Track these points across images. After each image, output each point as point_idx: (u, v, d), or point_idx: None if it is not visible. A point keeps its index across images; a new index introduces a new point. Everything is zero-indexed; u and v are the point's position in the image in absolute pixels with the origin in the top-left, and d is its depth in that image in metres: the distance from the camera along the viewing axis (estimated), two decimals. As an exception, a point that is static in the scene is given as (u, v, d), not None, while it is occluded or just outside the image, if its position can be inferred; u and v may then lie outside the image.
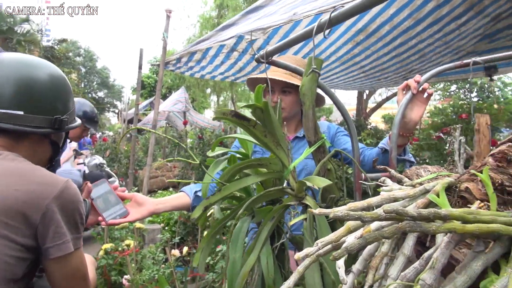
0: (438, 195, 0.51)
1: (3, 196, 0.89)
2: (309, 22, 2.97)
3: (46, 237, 0.92)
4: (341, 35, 3.50)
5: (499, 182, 0.48)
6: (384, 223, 0.55)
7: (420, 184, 0.62)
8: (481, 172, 0.51)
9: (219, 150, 1.09)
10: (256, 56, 1.23)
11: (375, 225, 0.55)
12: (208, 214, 1.06)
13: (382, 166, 0.74)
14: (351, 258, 0.84)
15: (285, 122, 1.29)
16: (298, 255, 0.55)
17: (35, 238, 0.92)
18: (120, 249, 2.64)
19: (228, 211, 0.97)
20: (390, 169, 0.71)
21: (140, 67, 4.69)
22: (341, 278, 0.50)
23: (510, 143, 0.49)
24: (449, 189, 0.54)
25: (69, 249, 0.95)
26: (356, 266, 0.64)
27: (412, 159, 1.25)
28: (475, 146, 1.61)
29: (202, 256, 0.92)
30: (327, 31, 0.93)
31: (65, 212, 0.94)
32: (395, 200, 0.59)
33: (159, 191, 5.44)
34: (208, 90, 16.95)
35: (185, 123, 8.28)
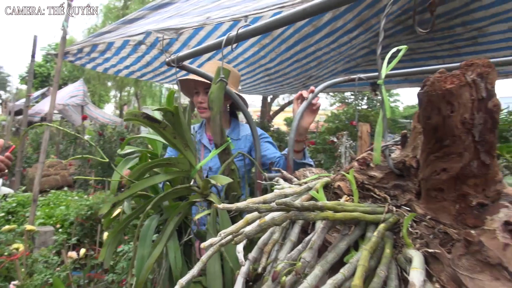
0: (318, 192, 0.64)
1: None
2: (228, 27, 3.06)
3: None
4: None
5: (361, 181, 0.62)
6: (276, 215, 0.67)
7: (305, 183, 0.75)
8: (349, 173, 0.65)
9: (128, 149, 1.12)
10: (167, 60, 1.28)
11: (269, 216, 0.66)
12: (114, 214, 1.09)
13: (277, 168, 0.86)
14: (248, 250, 0.95)
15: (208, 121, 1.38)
16: (204, 244, 0.64)
17: None
18: (6, 253, 2.43)
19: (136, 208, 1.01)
20: (282, 171, 0.84)
21: (33, 56, 4.31)
22: (240, 261, 0.60)
23: (370, 151, 0.64)
24: (326, 187, 0.68)
25: None
26: (252, 254, 0.74)
27: (311, 162, 1.42)
28: (358, 150, 1.87)
29: (109, 251, 0.95)
30: (234, 45, 1.03)
31: None
32: (286, 196, 0.70)
33: (52, 191, 5.05)
34: (110, 84, 16.05)
35: (84, 118, 7.76)
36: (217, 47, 1.12)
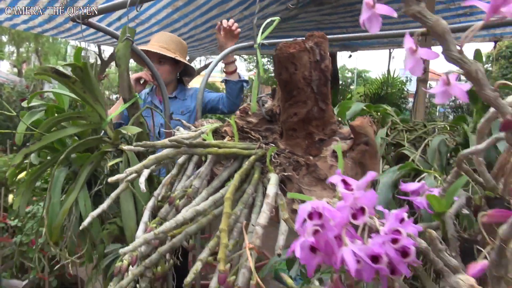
0: (207, 135, 0.80)
1: None
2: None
3: None
4: (162, -3, 3.59)
5: (241, 126, 0.78)
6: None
7: (201, 131, 0.89)
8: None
9: (35, 102, 1.15)
10: (71, 15, 1.30)
11: (164, 152, 0.80)
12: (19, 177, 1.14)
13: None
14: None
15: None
16: (111, 179, 0.76)
17: None
18: None
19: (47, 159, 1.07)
20: (183, 121, 0.98)
21: None
22: (142, 190, 0.73)
23: (250, 103, 0.81)
24: (216, 132, 0.84)
25: None
26: (157, 191, 0.88)
27: (246, 79, 1.74)
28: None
29: (23, 200, 1.01)
30: (139, 7, 1.11)
31: None
32: (182, 139, 0.85)
33: None
34: (5, 39, 14.33)
35: (-25, 76, 6.95)
36: (122, 6, 1.18)
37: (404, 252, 0.38)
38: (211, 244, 0.63)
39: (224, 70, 1.84)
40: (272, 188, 0.64)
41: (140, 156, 1.12)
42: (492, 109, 0.44)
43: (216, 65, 1.57)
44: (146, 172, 0.78)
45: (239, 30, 1.71)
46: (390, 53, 10.99)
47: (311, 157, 0.67)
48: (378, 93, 6.10)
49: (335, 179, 0.39)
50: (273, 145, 0.74)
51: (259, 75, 0.76)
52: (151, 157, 0.72)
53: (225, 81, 1.83)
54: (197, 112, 1.71)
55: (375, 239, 0.37)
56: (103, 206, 0.84)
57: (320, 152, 0.69)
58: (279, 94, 0.75)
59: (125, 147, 0.77)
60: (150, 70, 1.37)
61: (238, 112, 0.81)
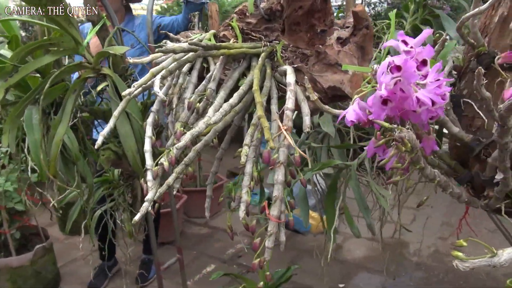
0: (210, 40, 0.82)
1: None
2: None
3: None
4: None
5: (241, 27, 0.82)
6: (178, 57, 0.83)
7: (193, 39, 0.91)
8: (228, 24, 0.84)
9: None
10: None
11: (173, 64, 0.82)
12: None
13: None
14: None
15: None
16: (125, 93, 0.77)
17: None
18: None
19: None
20: (169, 33, 0.98)
21: None
22: (157, 92, 0.75)
23: (245, 5, 0.84)
24: (215, 37, 0.86)
25: None
26: (154, 107, 0.90)
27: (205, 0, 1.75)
28: (210, 28, 2.06)
29: (11, 137, 0.98)
30: None
31: None
32: (182, 49, 0.86)
33: None
34: None
35: None
36: None
37: (443, 97, 0.48)
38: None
39: None
40: (291, 77, 0.71)
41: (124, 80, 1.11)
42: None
43: None
44: (157, 82, 0.79)
45: None
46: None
47: (320, 46, 0.74)
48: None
49: (392, 42, 0.47)
50: (277, 41, 0.80)
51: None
52: (171, 58, 0.74)
53: (186, 2, 1.78)
54: (148, 37, 1.68)
55: (429, 86, 0.46)
56: (110, 124, 0.86)
57: (325, 41, 0.76)
58: (277, -9, 0.79)
59: (130, 60, 0.77)
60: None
61: (235, 15, 0.84)
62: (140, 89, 0.80)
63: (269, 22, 0.82)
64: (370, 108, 0.48)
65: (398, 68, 0.44)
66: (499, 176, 0.56)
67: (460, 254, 0.40)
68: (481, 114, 0.66)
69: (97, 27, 1.06)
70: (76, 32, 1.00)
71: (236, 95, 0.72)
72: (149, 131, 0.86)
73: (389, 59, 0.44)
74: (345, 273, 2.23)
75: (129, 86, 1.12)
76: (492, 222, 1.36)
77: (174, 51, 0.71)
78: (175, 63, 0.73)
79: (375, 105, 0.46)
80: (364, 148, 1.24)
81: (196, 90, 0.80)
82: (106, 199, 1.54)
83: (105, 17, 1.09)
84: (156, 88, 0.77)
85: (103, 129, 1.29)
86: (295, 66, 0.76)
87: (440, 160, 0.73)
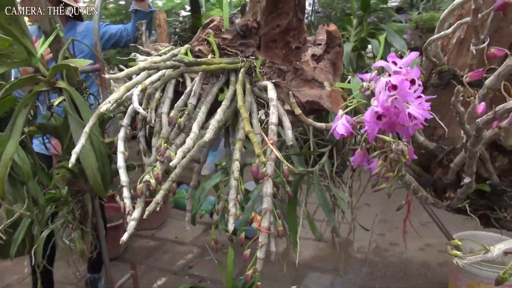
0: (187, 55, 0.82)
1: None
2: None
3: None
4: None
5: (217, 43, 0.83)
6: (154, 78, 0.81)
7: (165, 53, 0.90)
8: (203, 39, 0.85)
9: None
10: None
11: (148, 80, 0.81)
12: None
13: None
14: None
15: None
16: (103, 109, 0.74)
17: None
18: None
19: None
20: (139, 46, 0.95)
21: None
22: (137, 108, 0.73)
23: (220, 20, 0.85)
24: (190, 51, 0.86)
25: None
26: (125, 121, 0.88)
27: (155, 8, 1.70)
28: (159, 37, 2.04)
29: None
30: None
31: None
32: (156, 62, 0.85)
33: None
34: None
35: None
36: None
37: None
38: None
39: None
40: (272, 92, 0.74)
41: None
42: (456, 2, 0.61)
43: None
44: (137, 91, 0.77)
45: None
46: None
47: (297, 62, 0.78)
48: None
49: (382, 63, 0.51)
50: (253, 57, 0.82)
51: (228, -7, 0.80)
52: (154, 76, 0.73)
53: (135, 11, 1.73)
54: (95, 46, 1.63)
55: (415, 102, 0.51)
56: (82, 141, 0.82)
57: (300, 57, 0.80)
58: (253, 9, 0.81)
59: (107, 76, 0.74)
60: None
61: (209, 30, 0.85)
62: (115, 104, 0.78)
63: (245, 38, 0.84)
64: (366, 123, 0.52)
65: (395, 87, 0.49)
66: (467, 180, 0.63)
67: (458, 253, 0.46)
68: (442, 124, 0.74)
69: (51, 38, 1.00)
70: (29, 42, 0.93)
71: (220, 111, 0.73)
72: (121, 146, 0.84)
73: (385, 78, 0.48)
74: (297, 274, 2.31)
75: (85, 100, 1.07)
76: (423, 217, 1.51)
77: (159, 68, 0.70)
78: (161, 80, 0.72)
79: (371, 120, 0.51)
80: (321, 154, 1.30)
81: (175, 105, 0.79)
82: (52, 218, 1.45)
83: (58, 28, 1.03)
84: (135, 104, 0.75)
85: (44, 140, 1.21)
86: (273, 81, 0.79)
87: (405, 167, 0.80)
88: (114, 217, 2.75)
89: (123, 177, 0.83)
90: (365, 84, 0.55)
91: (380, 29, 1.44)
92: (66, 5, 1.78)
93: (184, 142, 0.72)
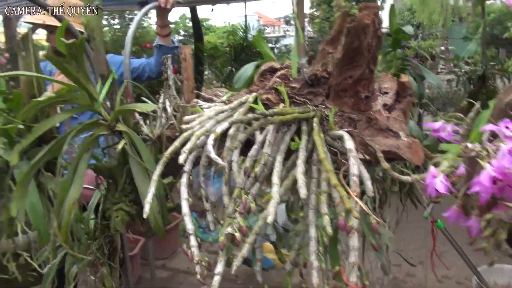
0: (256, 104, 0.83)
1: None
2: None
3: None
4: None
5: (286, 91, 0.84)
6: (225, 127, 0.82)
7: (229, 101, 0.92)
8: (271, 88, 0.86)
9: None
10: None
11: (220, 129, 0.82)
12: None
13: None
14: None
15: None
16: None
17: None
18: None
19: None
20: (201, 93, 0.96)
21: None
22: (214, 158, 0.74)
23: (287, 69, 0.86)
24: (255, 100, 0.87)
25: None
26: (187, 167, 0.87)
27: (178, 44, 1.73)
28: (183, 72, 2.07)
29: (21, 204, 0.87)
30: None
31: None
32: (223, 111, 0.86)
33: None
34: None
35: None
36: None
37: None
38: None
39: (158, 32, 1.75)
40: (350, 143, 0.75)
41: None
42: None
43: (139, 21, 1.51)
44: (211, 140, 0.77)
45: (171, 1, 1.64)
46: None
47: (370, 112, 0.79)
48: (242, 44, 6.30)
49: (492, 127, 0.53)
50: (323, 106, 0.83)
51: (299, 42, 0.82)
52: (224, 125, 0.74)
53: (159, 46, 1.76)
54: (126, 82, 1.63)
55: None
56: (152, 190, 0.82)
57: (370, 106, 0.81)
58: (323, 60, 0.83)
59: (193, 122, 0.75)
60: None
61: (277, 79, 0.86)
62: (189, 155, 0.79)
63: (312, 87, 0.86)
64: (477, 185, 0.53)
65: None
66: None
67: None
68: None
69: (109, 81, 1.00)
70: (92, 88, 0.94)
71: (301, 162, 0.73)
72: (184, 193, 0.84)
73: (506, 145, 0.50)
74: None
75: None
76: (438, 247, 1.54)
77: (242, 121, 0.71)
78: (244, 134, 0.73)
79: (485, 183, 0.52)
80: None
81: (249, 154, 0.79)
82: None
83: (114, 71, 1.04)
84: (213, 155, 0.76)
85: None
86: (345, 130, 0.80)
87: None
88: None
89: (189, 225, 0.83)
90: (469, 145, 0.55)
91: (406, 65, 1.47)
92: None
93: (258, 191, 0.73)
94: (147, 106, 0.92)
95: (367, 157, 0.78)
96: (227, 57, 5.71)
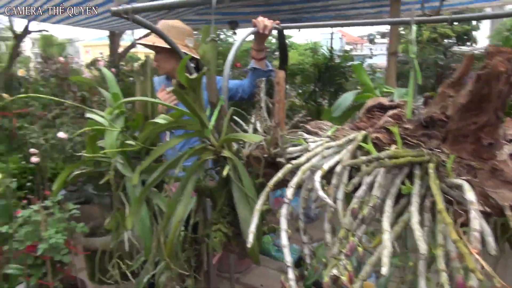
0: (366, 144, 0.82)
1: None
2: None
3: None
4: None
5: (401, 133, 0.82)
6: (332, 164, 0.82)
7: (334, 136, 0.91)
8: (382, 127, 0.84)
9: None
10: (114, 9, 1.19)
11: (327, 166, 0.82)
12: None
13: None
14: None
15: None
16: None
17: None
18: None
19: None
20: (306, 126, 0.98)
21: None
22: (322, 196, 0.74)
23: (401, 109, 0.84)
24: (364, 138, 0.86)
25: None
26: (289, 197, 0.88)
27: (272, 68, 1.79)
28: (276, 95, 2.09)
29: (135, 219, 0.95)
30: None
31: None
32: (330, 147, 0.86)
33: None
34: None
35: None
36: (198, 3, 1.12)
37: None
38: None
39: (253, 56, 1.82)
40: (471, 194, 0.70)
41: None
42: None
43: (239, 47, 1.57)
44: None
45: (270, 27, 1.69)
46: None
47: (495, 162, 0.74)
48: (326, 63, 6.24)
49: None
50: (438, 150, 0.79)
51: (416, 82, 0.79)
52: (331, 162, 0.73)
53: (253, 69, 1.83)
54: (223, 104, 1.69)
55: None
56: (255, 221, 0.84)
57: (493, 155, 0.75)
58: (442, 102, 0.79)
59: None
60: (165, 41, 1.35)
61: (389, 118, 0.84)
62: (293, 189, 0.80)
63: (427, 129, 0.82)
64: None
65: None
66: None
67: None
68: None
69: (218, 108, 1.06)
70: (204, 116, 1.00)
71: (415, 210, 0.70)
72: (284, 224, 0.85)
73: None
74: None
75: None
76: None
77: (355, 164, 0.71)
78: (357, 177, 0.72)
79: None
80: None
81: (356, 194, 0.78)
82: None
83: (221, 98, 1.10)
84: (321, 193, 0.76)
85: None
86: (463, 178, 0.75)
87: None
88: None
89: (288, 257, 0.83)
90: None
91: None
92: (192, 58, 1.94)
93: (364, 233, 0.71)
94: (254, 137, 0.95)
95: (487, 209, 0.73)
96: (308, 74, 5.69)
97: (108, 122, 0.99)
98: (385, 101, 0.93)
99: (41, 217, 2.12)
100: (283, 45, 2.62)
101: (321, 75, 5.51)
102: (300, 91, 5.62)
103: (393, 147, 0.81)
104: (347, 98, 1.28)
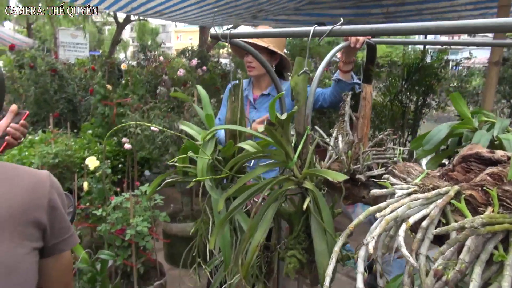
0: (459, 202, 0.79)
1: (7, 205, 0.79)
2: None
3: (53, 233, 0.88)
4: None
5: (499, 195, 0.77)
6: (418, 217, 0.80)
7: (423, 184, 0.88)
8: (478, 185, 0.80)
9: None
10: (214, 33, 1.26)
11: (412, 220, 0.80)
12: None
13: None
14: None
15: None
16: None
17: (42, 239, 0.86)
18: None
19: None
20: (393, 170, 0.96)
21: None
22: (408, 257, 0.73)
23: (502, 169, 0.79)
24: (457, 194, 0.82)
25: (76, 240, 0.93)
26: (371, 244, 0.88)
27: (359, 81, 1.76)
28: (361, 110, 2.03)
29: (218, 240, 1.03)
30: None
31: (61, 202, 0.90)
32: (417, 198, 0.84)
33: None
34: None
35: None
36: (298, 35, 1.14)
37: None
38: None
39: (340, 67, 1.82)
40: None
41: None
42: None
43: (329, 60, 1.54)
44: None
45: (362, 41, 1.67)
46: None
47: None
48: (418, 64, 5.87)
49: None
50: (541, 218, 0.73)
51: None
52: (417, 215, 0.72)
53: (338, 80, 1.83)
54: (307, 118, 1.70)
55: None
56: (333, 262, 0.85)
57: None
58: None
59: (385, 210, 0.76)
60: (257, 59, 1.36)
61: (488, 177, 0.80)
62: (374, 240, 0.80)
63: (530, 193, 0.76)
64: None
65: None
66: None
67: None
68: None
69: (303, 139, 1.08)
70: (290, 148, 1.03)
71: (507, 286, 0.66)
72: (361, 266, 0.84)
73: None
74: None
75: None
76: None
77: (455, 228, 0.69)
78: (447, 245, 0.70)
79: None
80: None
81: (443, 257, 0.76)
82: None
83: (308, 127, 1.11)
84: (404, 250, 0.75)
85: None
86: None
87: None
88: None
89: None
90: None
91: None
92: (271, 53, 1.98)
93: None
94: (338, 175, 0.95)
95: None
96: (396, 74, 5.41)
97: (201, 149, 1.07)
98: (484, 151, 0.88)
99: (131, 204, 2.33)
100: (372, 58, 2.51)
101: (410, 76, 5.20)
102: (381, 85, 5.34)
103: (488, 209, 0.76)
104: (440, 131, 1.22)
